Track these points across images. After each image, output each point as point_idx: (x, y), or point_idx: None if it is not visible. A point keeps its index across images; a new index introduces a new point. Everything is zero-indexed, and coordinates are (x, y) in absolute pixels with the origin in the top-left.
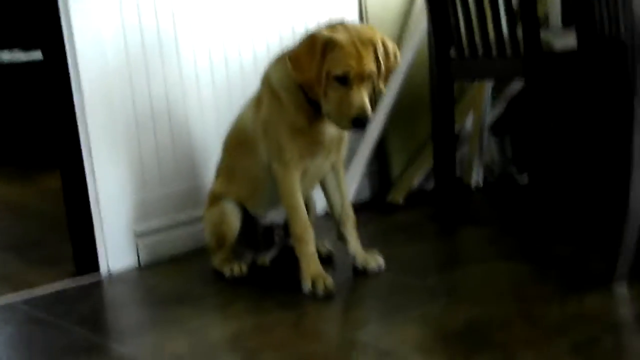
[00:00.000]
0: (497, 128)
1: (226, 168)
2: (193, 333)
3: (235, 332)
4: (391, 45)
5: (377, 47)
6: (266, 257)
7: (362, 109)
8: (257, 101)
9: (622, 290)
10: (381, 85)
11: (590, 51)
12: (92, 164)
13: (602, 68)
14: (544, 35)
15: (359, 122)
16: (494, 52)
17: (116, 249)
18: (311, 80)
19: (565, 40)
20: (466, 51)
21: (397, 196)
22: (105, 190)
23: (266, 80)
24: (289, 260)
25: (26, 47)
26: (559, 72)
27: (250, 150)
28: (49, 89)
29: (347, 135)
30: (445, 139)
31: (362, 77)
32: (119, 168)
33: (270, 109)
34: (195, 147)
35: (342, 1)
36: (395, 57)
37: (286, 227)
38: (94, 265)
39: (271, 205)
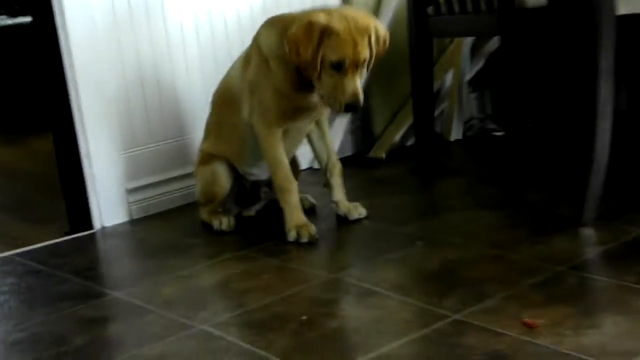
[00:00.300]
0: (477, 84)
1: (215, 125)
2: (184, 279)
3: (224, 277)
4: (382, 32)
5: (371, 35)
6: (252, 210)
7: (355, 96)
8: (246, 60)
9: (588, 233)
10: (370, 66)
11: (559, 7)
12: (83, 124)
13: (570, 23)
14: None
15: (352, 108)
16: (470, 8)
17: (108, 205)
18: (307, 64)
19: None
20: (443, 8)
21: (379, 152)
22: (96, 149)
23: (256, 43)
24: (274, 213)
25: (13, 14)
26: (531, 27)
27: (237, 108)
28: (38, 52)
29: None
30: (424, 96)
31: (357, 65)
32: (109, 127)
33: (258, 71)
34: (182, 106)
35: None
36: (385, 42)
37: (270, 183)
38: (88, 223)
39: (255, 162)
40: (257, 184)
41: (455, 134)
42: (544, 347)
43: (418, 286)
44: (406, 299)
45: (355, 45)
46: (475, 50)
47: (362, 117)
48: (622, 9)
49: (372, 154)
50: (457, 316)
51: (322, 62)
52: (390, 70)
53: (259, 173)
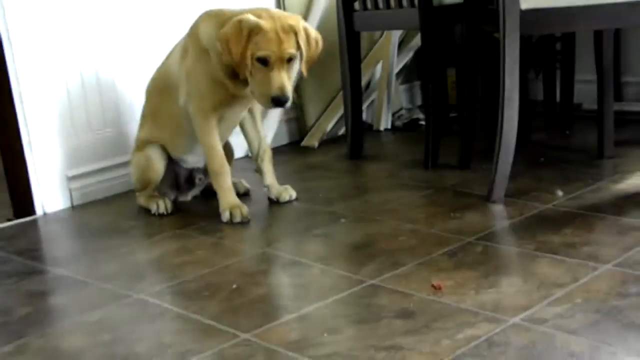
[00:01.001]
0: (407, 76)
1: (150, 113)
2: (122, 256)
3: (161, 253)
4: (313, 34)
5: (299, 34)
6: (188, 196)
7: (281, 89)
8: (183, 49)
9: (497, 208)
10: (304, 70)
11: (471, 3)
12: (24, 114)
13: (482, 18)
14: None
15: (278, 101)
16: (393, 4)
17: (50, 193)
18: (237, 61)
19: None
20: (369, 4)
21: (312, 140)
22: (38, 138)
23: (194, 33)
24: (209, 198)
25: None
26: (449, 22)
27: (173, 96)
28: None
29: None
30: (352, 87)
31: (282, 60)
32: (50, 117)
33: (196, 60)
34: (121, 95)
35: None
36: (317, 43)
37: (205, 171)
38: (30, 210)
39: (190, 149)
40: (191, 171)
41: (384, 123)
42: (447, 305)
43: (340, 257)
44: (328, 268)
45: (280, 42)
46: (403, 44)
47: (295, 108)
48: (524, 3)
49: (305, 142)
50: (372, 281)
51: (251, 59)
52: (322, 64)
53: (194, 160)
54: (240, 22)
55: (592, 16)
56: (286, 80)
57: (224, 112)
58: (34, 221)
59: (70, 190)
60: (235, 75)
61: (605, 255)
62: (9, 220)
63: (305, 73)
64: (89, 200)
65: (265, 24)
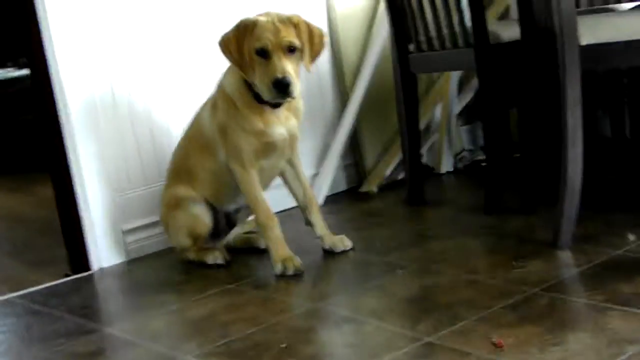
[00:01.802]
0: (467, 116)
1: (186, 170)
2: (173, 313)
3: (209, 311)
4: (317, 29)
5: (300, 26)
6: (224, 241)
7: (281, 72)
8: (213, 105)
9: (564, 255)
10: (308, 65)
11: (530, 41)
12: (79, 167)
13: (541, 56)
14: (492, 27)
15: (279, 84)
16: (448, 44)
17: (105, 247)
18: (239, 60)
19: (510, 32)
20: (423, 45)
21: (371, 186)
22: (93, 192)
23: (220, 86)
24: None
25: (19, 66)
26: (507, 59)
27: (211, 153)
28: (36, 103)
29: (297, 133)
30: (410, 130)
31: (281, 48)
32: (104, 172)
33: (226, 113)
34: (174, 148)
35: (311, 10)
36: (321, 39)
37: (238, 210)
38: (86, 264)
39: (233, 200)
40: (229, 214)
41: (446, 166)
42: None
43: (395, 312)
44: (382, 324)
45: (277, 31)
46: (463, 83)
47: (353, 153)
48: (584, 39)
49: (363, 188)
50: (429, 339)
51: (251, 55)
52: (380, 107)
53: (235, 206)
54: (237, 23)
55: None
56: (287, 65)
57: (263, 162)
58: (90, 277)
59: (125, 244)
60: (262, 115)
61: None
62: (67, 275)
63: (308, 69)
64: (144, 254)
65: (262, 18)
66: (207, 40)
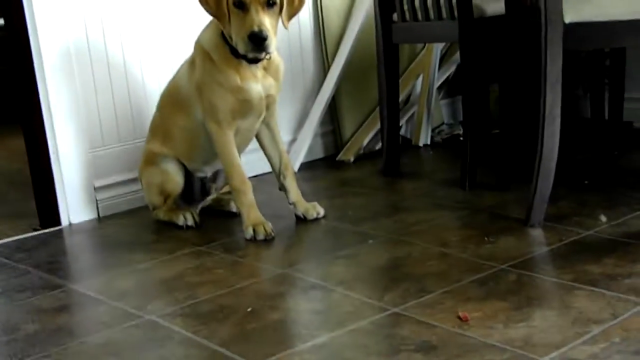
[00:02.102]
0: (448, 90)
1: (162, 127)
2: (140, 272)
3: (178, 272)
4: None
5: None
6: (198, 206)
7: (258, 26)
8: (191, 64)
9: (535, 233)
10: (285, 21)
11: (514, 16)
12: (52, 123)
13: (524, 31)
14: (476, 1)
15: (255, 37)
16: (432, 15)
17: (76, 203)
18: (215, 11)
19: (495, 6)
20: (407, 15)
21: (348, 155)
22: (65, 148)
23: (198, 43)
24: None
25: None
26: (490, 34)
27: (186, 111)
28: (10, 53)
29: (276, 95)
30: (390, 101)
31: (259, 2)
32: (78, 127)
33: (203, 69)
34: (151, 106)
35: None
36: None
37: (216, 178)
38: (56, 220)
39: (207, 161)
40: (204, 181)
41: (424, 138)
42: (473, 339)
43: (363, 281)
44: (349, 293)
45: None
46: (445, 57)
47: (332, 121)
48: (568, 17)
49: (340, 157)
50: (395, 309)
51: (228, 7)
52: (361, 76)
53: (209, 170)
54: None
55: (639, 31)
56: (264, 19)
57: (239, 122)
58: (59, 232)
59: (97, 201)
60: (239, 71)
61: None
62: (35, 229)
63: (286, 26)
64: (115, 212)
65: None
66: None
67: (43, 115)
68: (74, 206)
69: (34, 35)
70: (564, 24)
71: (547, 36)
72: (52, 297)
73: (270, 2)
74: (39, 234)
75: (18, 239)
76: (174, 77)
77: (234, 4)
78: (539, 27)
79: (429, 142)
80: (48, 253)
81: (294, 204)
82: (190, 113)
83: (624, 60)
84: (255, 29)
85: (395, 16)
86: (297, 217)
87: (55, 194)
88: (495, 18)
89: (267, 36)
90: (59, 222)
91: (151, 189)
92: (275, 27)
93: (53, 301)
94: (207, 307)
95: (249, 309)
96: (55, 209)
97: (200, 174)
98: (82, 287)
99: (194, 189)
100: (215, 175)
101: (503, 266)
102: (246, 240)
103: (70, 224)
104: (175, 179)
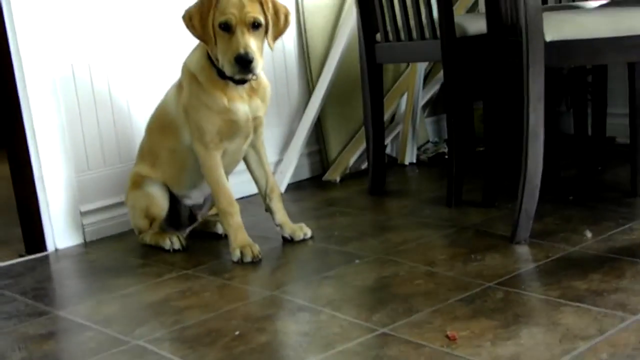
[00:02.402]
0: (433, 109)
1: (150, 151)
2: (127, 297)
3: (165, 296)
4: (282, 7)
5: (265, 3)
6: (186, 232)
7: (244, 48)
8: (179, 86)
9: (521, 250)
10: (271, 42)
11: (496, 35)
12: (37, 148)
13: (507, 49)
14: (459, 20)
15: (241, 60)
16: (415, 35)
17: (62, 228)
18: (202, 35)
19: (477, 25)
20: (391, 35)
21: (334, 175)
22: (50, 173)
23: (185, 66)
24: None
25: None
26: (472, 53)
27: (174, 134)
28: None
29: (263, 117)
30: (374, 120)
31: (245, 24)
32: (63, 152)
33: (190, 92)
34: (136, 131)
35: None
36: (286, 17)
37: (203, 205)
38: (42, 245)
39: (194, 186)
40: (191, 209)
41: (409, 157)
42: (461, 358)
43: (351, 302)
44: (337, 314)
45: (242, 6)
46: (429, 75)
47: (317, 141)
48: (549, 35)
49: (327, 177)
50: (383, 329)
51: (214, 29)
52: (346, 96)
53: (197, 196)
54: None
55: (620, 48)
56: (250, 41)
57: (226, 144)
58: (45, 258)
59: (83, 226)
60: (226, 92)
61: (635, 305)
62: (21, 256)
63: (271, 47)
64: (102, 236)
65: None
66: (172, 21)
67: (28, 140)
68: (60, 231)
69: (18, 63)
70: (545, 42)
71: (529, 54)
72: (38, 324)
73: (256, 23)
74: (25, 260)
75: (4, 266)
76: (162, 100)
77: (220, 26)
78: (521, 46)
79: (414, 161)
80: (34, 279)
81: (280, 225)
82: (179, 136)
83: (605, 77)
84: (242, 51)
85: (378, 36)
86: (284, 238)
87: (40, 220)
88: (478, 37)
89: (253, 58)
90: (45, 248)
91: (136, 213)
92: (261, 48)
93: (40, 328)
94: (195, 331)
95: (236, 332)
96: (41, 234)
97: (188, 202)
98: (69, 313)
99: (180, 215)
100: (204, 202)
101: (490, 284)
102: (233, 262)
103: (56, 250)
104: (160, 203)
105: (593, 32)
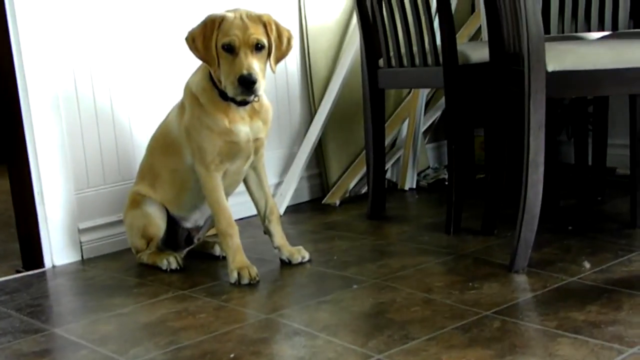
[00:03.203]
0: (434, 135)
1: (150, 170)
2: (123, 317)
3: (161, 316)
4: (285, 30)
5: (268, 25)
6: (183, 253)
7: (247, 69)
8: (180, 107)
9: (519, 279)
10: (273, 64)
11: (498, 63)
12: (37, 164)
13: (508, 78)
14: (461, 48)
15: (244, 80)
16: (418, 62)
17: (60, 245)
18: (205, 56)
19: (480, 53)
20: (393, 61)
21: (334, 198)
22: (50, 189)
23: (187, 87)
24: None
25: None
26: (474, 80)
27: (176, 154)
28: None
29: (265, 139)
30: (376, 145)
31: (249, 46)
32: (63, 168)
33: (191, 113)
34: (137, 149)
35: (283, 21)
36: (289, 40)
37: (201, 228)
38: (39, 262)
39: (195, 207)
40: (189, 231)
41: (409, 182)
42: None
43: (347, 327)
44: (333, 339)
45: (245, 27)
46: (431, 101)
47: (318, 164)
48: (550, 65)
49: (326, 200)
50: (379, 356)
51: (217, 50)
52: (347, 120)
53: (196, 218)
54: (206, 18)
55: (621, 80)
56: (253, 63)
57: (227, 165)
58: (42, 274)
59: (81, 244)
60: (228, 114)
61: (632, 337)
62: (18, 271)
63: (273, 69)
64: (99, 254)
65: (230, 14)
66: (175, 41)
67: (28, 156)
68: (58, 248)
69: (22, 79)
70: (547, 72)
71: (530, 84)
72: (33, 341)
73: (259, 45)
74: (22, 276)
75: (0, 281)
76: (165, 120)
77: (223, 47)
78: (523, 75)
79: (414, 186)
80: (30, 296)
81: (278, 248)
82: (181, 156)
83: (607, 107)
84: (245, 72)
85: (381, 62)
86: (282, 261)
87: (39, 236)
88: (480, 65)
89: (256, 79)
90: (42, 264)
91: (134, 232)
92: (264, 70)
93: (34, 345)
94: (190, 352)
95: (231, 355)
96: (39, 250)
97: (187, 224)
98: (64, 331)
99: (178, 237)
100: (204, 224)
101: (487, 313)
102: (230, 284)
103: (53, 266)
104: (157, 223)
105: (594, 64)
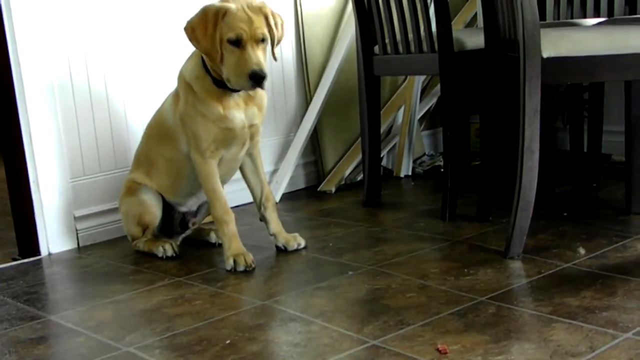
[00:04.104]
0: (430, 122)
1: (146, 158)
2: (119, 304)
3: (157, 303)
4: (279, 18)
5: (269, 17)
6: (178, 239)
7: (258, 64)
8: (175, 95)
9: (514, 266)
10: (274, 52)
11: (494, 50)
12: (32, 152)
13: (504, 64)
14: (457, 34)
15: (256, 76)
16: (413, 48)
17: (56, 233)
18: (207, 48)
19: (475, 40)
20: (389, 48)
21: (329, 185)
22: (46, 177)
23: (180, 76)
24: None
25: None
26: (470, 67)
27: (171, 142)
28: None
29: (260, 125)
30: (371, 132)
31: (255, 39)
32: (59, 156)
33: (186, 101)
34: (133, 137)
35: (278, 8)
36: (283, 27)
37: (197, 213)
38: (35, 249)
39: (191, 194)
40: (184, 215)
41: (405, 169)
42: None
43: (342, 313)
44: (329, 325)
45: (250, 21)
46: (427, 88)
47: (313, 151)
48: (546, 51)
49: (322, 187)
50: (374, 342)
51: (222, 43)
52: (343, 107)
53: (192, 203)
54: (204, 9)
55: (616, 66)
56: (261, 57)
57: (222, 152)
58: (38, 262)
59: (77, 231)
60: (222, 100)
61: (626, 323)
62: (14, 259)
63: (275, 58)
64: (95, 242)
65: (231, 5)
66: (171, 28)
67: (24, 144)
68: (54, 236)
69: (16, 66)
70: (542, 58)
71: (526, 70)
72: (29, 329)
73: (263, 38)
74: (18, 264)
75: None
76: (160, 109)
77: (229, 41)
78: (518, 61)
79: (410, 173)
80: (26, 283)
81: (274, 235)
82: (176, 144)
83: (602, 94)
84: (256, 67)
85: (376, 49)
86: (278, 248)
87: (35, 224)
88: (475, 52)
89: (266, 74)
90: (38, 252)
91: (129, 219)
92: (266, 60)
93: (31, 332)
94: (186, 339)
95: (227, 341)
96: (35, 238)
97: (182, 208)
98: (60, 318)
99: (173, 222)
100: (198, 209)
101: (482, 298)
102: (226, 271)
103: (49, 254)
104: (153, 210)
105: (590, 50)
